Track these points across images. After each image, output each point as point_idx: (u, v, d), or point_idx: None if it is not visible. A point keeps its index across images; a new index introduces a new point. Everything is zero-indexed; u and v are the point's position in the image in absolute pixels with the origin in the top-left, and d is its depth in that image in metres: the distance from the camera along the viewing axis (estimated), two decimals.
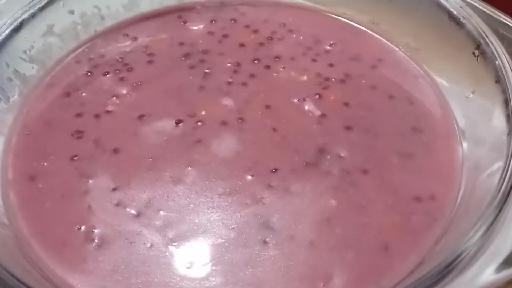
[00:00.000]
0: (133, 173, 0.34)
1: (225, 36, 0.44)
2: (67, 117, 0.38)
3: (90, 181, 0.34)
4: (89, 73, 0.41)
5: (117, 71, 0.41)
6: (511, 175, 0.28)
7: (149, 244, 0.30)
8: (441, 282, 0.24)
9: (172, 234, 0.31)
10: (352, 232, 0.31)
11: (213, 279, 0.29)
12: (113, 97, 0.39)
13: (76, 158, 0.35)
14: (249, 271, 0.29)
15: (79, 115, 0.38)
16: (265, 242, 0.30)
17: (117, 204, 0.32)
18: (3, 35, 0.38)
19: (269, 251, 0.30)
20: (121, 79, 0.40)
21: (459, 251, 0.25)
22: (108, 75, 0.41)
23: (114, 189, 0.33)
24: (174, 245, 0.30)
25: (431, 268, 0.25)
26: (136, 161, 0.35)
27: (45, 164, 0.35)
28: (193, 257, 0.30)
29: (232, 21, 0.45)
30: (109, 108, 0.38)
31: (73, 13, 0.43)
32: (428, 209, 0.32)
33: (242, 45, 0.43)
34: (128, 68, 0.41)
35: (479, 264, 0.26)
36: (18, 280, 0.24)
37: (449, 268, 0.25)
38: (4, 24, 0.38)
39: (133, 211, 0.32)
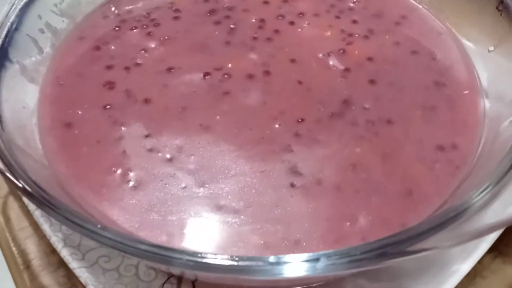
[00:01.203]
0: (164, 121, 0.35)
1: None
2: (98, 69, 0.39)
3: (123, 128, 0.35)
4: (117, 28, 0.42)
5: (144, 26, 0.42)
6: None
7: (183, 186, 0.32)
8: (465, 215, 0.25)
9: (205, 177, 0.32)
10: (376, 178, 0.32)
11: (244, 217, 0.30)
12: (142, 50, 0.40)
13: (108, 107, 0.36)
14: (278, 211, 0.31)
15: (109, 67, 0.39)
16: (292, 185, 0.32)
17: (150, 150, 0.34)
18: None
19: (296, 193, 0.31)
20: (149, 34, 0.41)
21: (480, 189, 0.27)
22: (135, 30, 0.42)
23: (146, 136, 0.34)
24: (206, 187, 0.32)
25: (454, 205, 0.26)
26: (166, 111, 0.36)
27: (79, 112, 0.36)
28: (224, 198, 0.31)
29: None
30: (139, 61, 0.39)
31: None
32: (451, 158, 0.33)
33: (266, 2, 0.44)
34: (155, 24, 0.42)
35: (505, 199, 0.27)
36: (66, 207, 0.26)
37: (472, 204, 0.26)
38: None
39: (167, 156, 0.33)
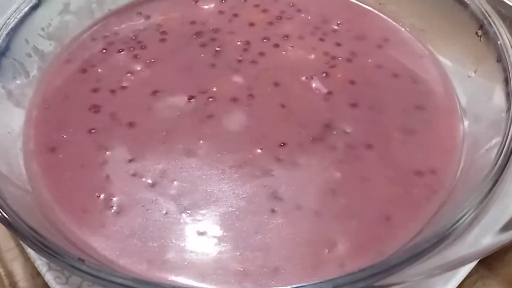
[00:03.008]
0: (148, 145, 0.36)
1: (235, 15, 0.45)
2: (84, 92, 0.39)
3: (107, 152, 0.35)
4: (104, 50, 0.43)
5: (131, 49, 0.42)
6: (508, 149, 0.29)
7: (164, 211, 0.32)
8: (438, 247, 0.26)
9: (186, 202, 0.33)
10: (355, 203, 0.33)
11: (225, 244, 0.31)
12: (128, 73, 0.40)
13: (93, 131, 0.37)
14: (258, 238, 0.31)
15: (95, 90, 0.39)
16: (273, 211, 0.32)
17: (134, 174, 0.34)
18: (23, 12, 0.40)
19: (277, 219, 0.32)
20: (135, 56, 0.42)
21: (455, 219, 0.27)
22: (122, 52, 0.42)
23: (130, 160, 0.35)
24: (188, 213, 0.32)
25: (429, 235, 0.27)
26: (150, 134, 0.36)
27: (64, 136, 0.36)
28: (206, 224, 0.32)
29: (242, 0, 0.47)
30: (124, 84, 0.40)
31: None
32: (428, 183, 0.34)
33: (251, 24, 0.45)
34: (142, 46, 0.43)
35: (479, 230, 0.27)
36: (44, 239, 0.26)
37: (446, 234, 0.26)
38: (24, 2, 0.39)
39: (149, 181, 0.34)
